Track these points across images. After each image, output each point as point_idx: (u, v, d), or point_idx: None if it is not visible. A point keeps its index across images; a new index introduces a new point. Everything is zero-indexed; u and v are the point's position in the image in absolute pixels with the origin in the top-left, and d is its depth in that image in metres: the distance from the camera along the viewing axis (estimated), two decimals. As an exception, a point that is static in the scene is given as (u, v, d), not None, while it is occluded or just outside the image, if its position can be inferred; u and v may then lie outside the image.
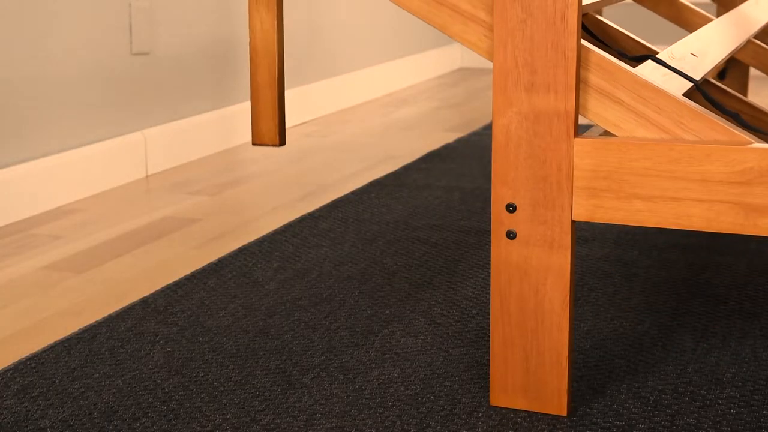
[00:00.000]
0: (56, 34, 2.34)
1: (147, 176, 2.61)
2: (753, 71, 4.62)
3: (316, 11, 3.48)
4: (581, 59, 1.19)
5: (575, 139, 1.21)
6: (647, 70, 1.28)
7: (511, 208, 1.25)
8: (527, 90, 1.21)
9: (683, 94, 1.25)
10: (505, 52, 1.21)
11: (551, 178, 1.22)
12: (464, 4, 1.24)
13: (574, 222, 1.24)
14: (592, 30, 1.52)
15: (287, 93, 3.29)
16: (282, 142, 1.38)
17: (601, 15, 2.84)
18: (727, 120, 1.30)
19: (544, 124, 1.21)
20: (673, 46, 1.49)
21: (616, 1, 1.69)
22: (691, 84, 1.32)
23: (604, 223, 1.90)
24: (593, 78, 1.19)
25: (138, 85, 2.62)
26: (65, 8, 2.36)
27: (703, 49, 1.57)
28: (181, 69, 2.75)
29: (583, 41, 1.19)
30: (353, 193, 2.38)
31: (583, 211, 1.22)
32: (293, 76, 3.34)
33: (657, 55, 1.38)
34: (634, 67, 1.38)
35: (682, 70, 1.35)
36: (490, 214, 2.18)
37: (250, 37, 1.38)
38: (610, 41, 1.62)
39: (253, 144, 1.38)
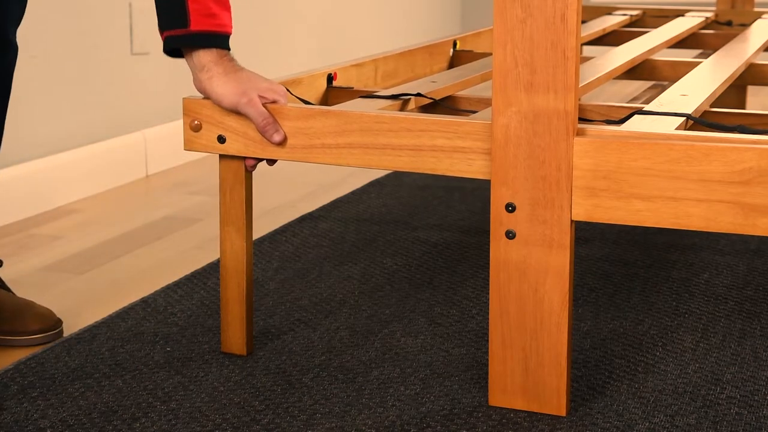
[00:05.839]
0: (56, 34, 2.34)
1: (147, 176, 2.61)
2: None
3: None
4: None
5: (575, 138, 1.21)
6: (634, 124, 1.29)
7: (510, 207, 1.25)
8: (527, 90, 1.21)
9: (677, 128, 1.26)
10: (504, 52, 1.21)
11: (550, 178, 1.22)
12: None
13: (573, 222, 1.24)
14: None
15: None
16: (249, 351, 1.48)
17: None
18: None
19: (544, 123, 1.21)
20: (661, 95, 1.50)
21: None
22: (683, 119, 1.32)
23: (604, 223, 1.90)
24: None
25: (138, 85, 2.62)
26: (65, 8, 2.36)
27: (696, 86, 1.57)
28: (181, 69, 2.74)
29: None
30: (353, 193, 2.38)
31: (582, 211, 1.22)
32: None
33: (645, 108, 1.39)
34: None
35: (670, 111, 1.36)
36: (489, 214, 2.18)
37: (221, 256, 1.46)
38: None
39: (222, 351, 1.48)
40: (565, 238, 1.24)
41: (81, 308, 1.69)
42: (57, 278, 1.84)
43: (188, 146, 1.42)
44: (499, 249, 1.27)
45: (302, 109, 1.35)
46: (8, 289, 1.61)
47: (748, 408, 1.31)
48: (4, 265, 1.79)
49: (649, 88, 2.11)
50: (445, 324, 1.59)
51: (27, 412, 1.31)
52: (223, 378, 1.40)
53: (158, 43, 1.41)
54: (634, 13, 2.81)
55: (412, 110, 1.54)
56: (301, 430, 1.26)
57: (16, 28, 1.53)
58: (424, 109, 1.59)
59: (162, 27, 1.37)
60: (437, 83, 1.64)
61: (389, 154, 1.32)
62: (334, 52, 3.61)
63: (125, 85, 2.58)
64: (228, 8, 1.38)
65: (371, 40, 3.90)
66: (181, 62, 2.32)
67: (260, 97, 1.35)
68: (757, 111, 1.61)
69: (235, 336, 1.47)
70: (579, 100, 1.40)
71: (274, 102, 1.36)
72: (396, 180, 2.49)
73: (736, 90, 2.73)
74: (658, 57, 2.12)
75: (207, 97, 1.39)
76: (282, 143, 1.35)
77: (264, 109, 1.35)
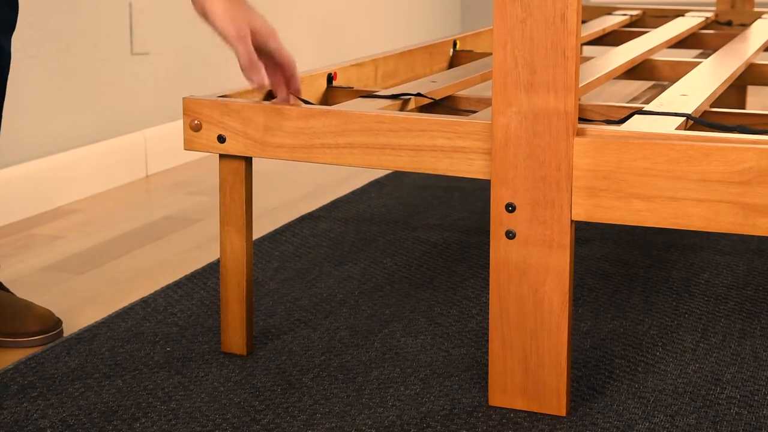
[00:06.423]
0: (56, 34, 2.34)
1: (147, 176, 2.61)
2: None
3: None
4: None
5: (575, 138, 1.21)
6: (634, 124, 1.29)
7: (510, 207, 1.25)
8: (527, 90, 1.21)
9: (677, 128, 1.26)
10: (504, 52, 1.21)
11: (550, 178, 1.22)
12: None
13: (573, 222, 1.24)
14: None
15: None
16: (249, 351, 1.48)
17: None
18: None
19: (544, 123, 1.21)
20: (661, 95, 1.50)
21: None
22: (683, 119, 1.32)
23: (604, 223, 1.90)
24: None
25: (138, 85, 2.62)
26: (65, 8, 2.36)
27: (696, 86, 1.57)
28: (181, 69, 2.75)
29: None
30: (353, 193, 2.38)
31: (582, 211, 1.22)
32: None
33: (645, 108, 1.39)
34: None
35: (670, 111, 1.36)
36: (489, 214, 2.18)
37: (221, 257, 1.46)
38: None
39: (222, 351, 1.49)
40: (565, 238, 1.24)
41: (81, 308, 1.69)
42: (57, 278, 1.84)
43: (188, 146, 1.42)
44: (499, 249, 1.27)
45: (302, 109, 1.35)
46: (7, 290, 1.61)
47: (748, 408, 1.31)
48: (2, 266, 1.79)
49: (649, 88, 2.11)
50: (445, 324, 1.59)
51: (27, 412, 1.31)
52: (223, 378, 1.40)
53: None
54: (634, 13, 2.81)
55: (412, 110, 1.54)
56: (301, 430, 1.26)
57: (9, 34, 1.52)
58: (424, 109, 1.59)
59: None
60: (437, 83, 1.64)
61: (389, 154, 1.32)
62: (334, 52, 3.61)
63: (125, 85, 2.58)
64: None
65: (371, 40, 3.91)
66: (181, 62, 2.33)
67: (253, 36, 1.36)
68: (757, 111, 1.61)
69: (235, 336, 1.47)
70: (579, 100, 1.40)
71: (265, 45, 1.37)
72: (396, 180, 2.49)
73: (736, 90, 2.73)
74: (658, 57, 2.12)
75: (204, 17, 1.39)
76: (259, 87, 1.36)
77: (252, 48, 1.36)
